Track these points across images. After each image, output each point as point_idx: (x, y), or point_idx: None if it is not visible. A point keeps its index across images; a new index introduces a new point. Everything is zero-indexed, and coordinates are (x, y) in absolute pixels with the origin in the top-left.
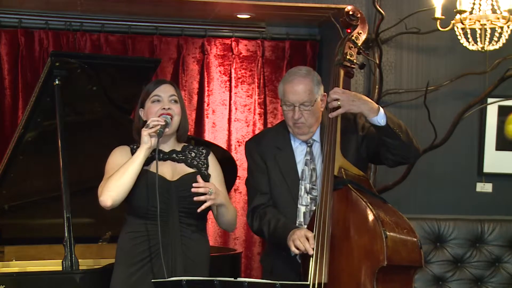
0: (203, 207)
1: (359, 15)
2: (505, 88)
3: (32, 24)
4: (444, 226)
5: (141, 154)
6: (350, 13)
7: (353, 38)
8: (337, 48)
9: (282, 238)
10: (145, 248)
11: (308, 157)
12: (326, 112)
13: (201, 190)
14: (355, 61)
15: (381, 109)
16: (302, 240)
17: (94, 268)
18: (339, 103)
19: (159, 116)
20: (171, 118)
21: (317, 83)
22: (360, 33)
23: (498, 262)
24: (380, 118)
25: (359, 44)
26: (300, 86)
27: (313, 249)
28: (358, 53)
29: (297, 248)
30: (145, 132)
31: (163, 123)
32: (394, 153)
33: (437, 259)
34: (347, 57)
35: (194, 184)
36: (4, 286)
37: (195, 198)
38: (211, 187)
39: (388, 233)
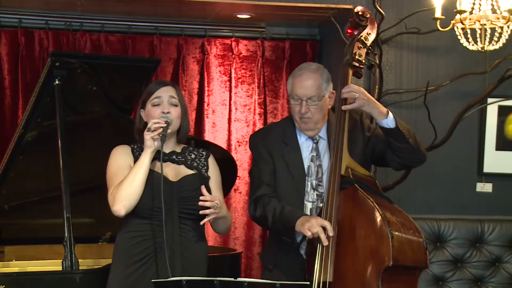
0: (206, 220)
1: (368, 16)
2: (505, 88)
3: (32, 24)
4: (444, 226)
5: (146, 158)
6: (360, 13)
7: (362, 38)
8: (346, 48)
9: (290, 222)
10: (144, 248)
11: (314, 154)
12: (333, 112)
13: (207, 204)
14: (363, 61)
15: (390, 113)
16: (319, 229)
17: (94, 268)
18: (356, 95)
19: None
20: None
21: (326, 80)
22: (369, 33)
23: (498, 262)
24: (389, 120)
25: (368, 45)
26: (309, 81)
27: (329, 239)
28: (367, 53)
29: (313, 235)
30: (147, 136)
31: (164, 125)
32: (401, 156)
33: (437, 259)
34: (356, 57)
35: (201, 198)
36: (4, 286)
37: (201, 212)
38: (217, 201)
39: (394, 233)
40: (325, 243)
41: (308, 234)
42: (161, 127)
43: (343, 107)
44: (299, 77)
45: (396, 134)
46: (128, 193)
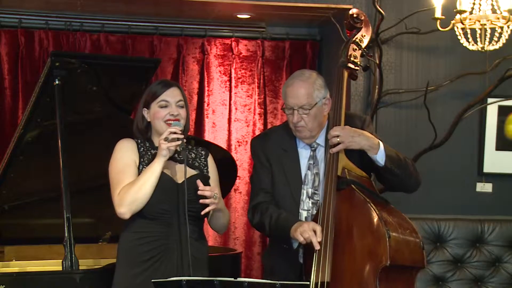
0: (206, 210)
1: (363, 18)
2: (505, 88)
3: (32, 24)
4: (444, 226)
5: (159, 167)
6: (354, 16)
7: (357, 40)
8: (341, 50)
9: (285, 228)
10: (151, 248)
11: (312, 161)
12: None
13: (207, 193)
14: (359, 63)
15: (381, 146)
16: (311, 234)
17: (94, 268)
18: (338, 139)
19: (166, 121)
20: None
21: (319, 87)
22: (364, 35)
23: (498, 262)
24: (379, 157)
25: (363, 47)
26: (300, 90)
27: (320, 243)
28: (362, 55)
29: (305, 240)
30: (164, 146)
31: (182, 136)
32: (391, 186)
33: (437, 259)
34: (351, 59)
35: (200, 187)
36: (4, 286)
37: (201, 201)
38: (216, 191)
39: (391, 233)
40: (317, 247)
41: (301, 239)
42: (179, 138)
43: (330, 151)
44: (290, 86)
45: (385, 170)
46: (136, 198)
